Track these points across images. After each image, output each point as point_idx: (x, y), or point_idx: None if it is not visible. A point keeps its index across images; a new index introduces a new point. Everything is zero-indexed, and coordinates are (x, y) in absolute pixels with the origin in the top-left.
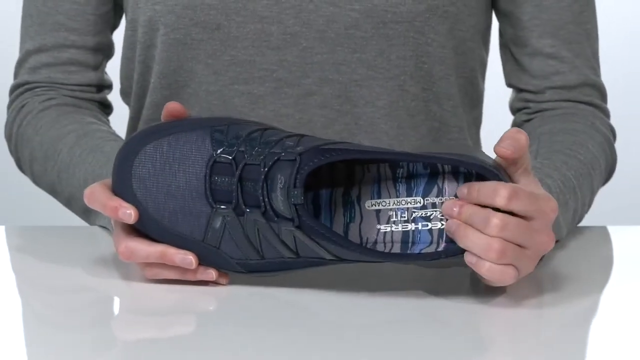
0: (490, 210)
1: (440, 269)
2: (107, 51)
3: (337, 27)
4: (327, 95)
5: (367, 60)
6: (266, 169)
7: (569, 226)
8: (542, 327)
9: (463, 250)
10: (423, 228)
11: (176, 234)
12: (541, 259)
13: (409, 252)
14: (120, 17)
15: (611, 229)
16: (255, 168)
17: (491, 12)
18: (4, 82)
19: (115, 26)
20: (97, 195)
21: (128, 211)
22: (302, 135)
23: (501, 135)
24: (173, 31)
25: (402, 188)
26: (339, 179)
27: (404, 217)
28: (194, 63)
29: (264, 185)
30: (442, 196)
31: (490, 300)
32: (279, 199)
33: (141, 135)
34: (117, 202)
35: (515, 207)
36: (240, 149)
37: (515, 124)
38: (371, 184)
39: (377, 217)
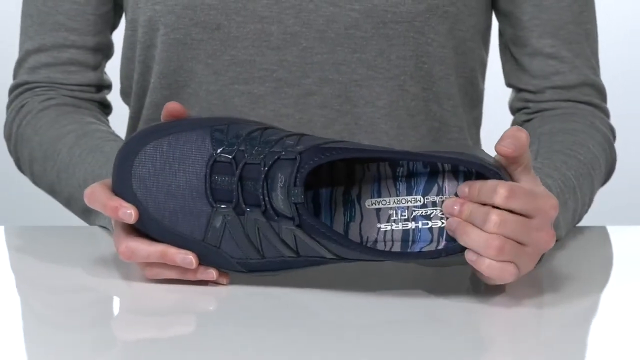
0: (490, 208)
1: (440, 268)
2: (106, 51)
3: (337, 27)
4: (327, 95)
5: (367, 60)
6: (266, 168)
7: (568, 226)
8: (542, 327)
9: (463, 249)
10: (423, 227)
11: (176, 233)
12: (541, 258)
13: (409, 250)
14: (120, 17)
15: (610, 229)
16: (255, 167)
17: (491, 12)
18: (4, 82)
19: (115, 26)
20: (98, 195)
21: (128, 211)
22: (302, 135)
23: (501, 135)
24: (173, 31)
25: (402, 187)
26: (339, 178)
27: (404, 215)
28: (194, 63)
29: (264, 184)
30: (442, 195)
31: (490, 300)
32: (279, 198)
33: (141, 135)
34: (118, 202)
35: (513, 205)
36: (240, 148)
37: (514, 124)
38: (371, 182)
39: (377, 216)
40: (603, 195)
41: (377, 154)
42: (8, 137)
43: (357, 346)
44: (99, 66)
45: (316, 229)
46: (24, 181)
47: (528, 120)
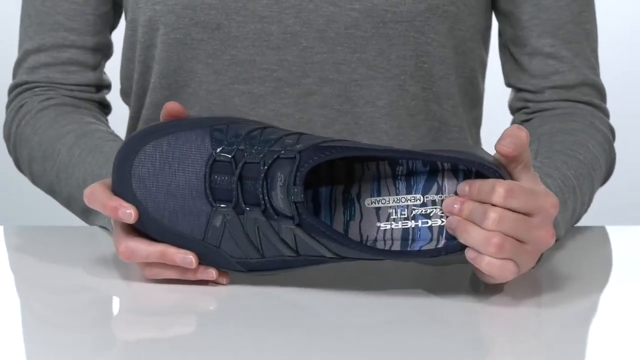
0: (489, 205)
1: (440, 267)
2: (106, 51)
3: (337, 26)
4: (327, 95)
5: (367, 59)
6: (266, 167)
7: (568, 225)
8: (542, 327)
9: (463, 247)
10: (423, 225)
11: (176, 233)
12: (540, 258)
13: (409, 249)
14: (120, 17)
15: (610, 229)
16: (255, 166)
17: (491, 12)
18: (3, 82)
19: (114, 26)
20: (97, 195)
21: (128, 211)
22: (302, 134)
23: (501, 134)
24: (173, 31)
25: (401, 185)
26: (338, 177)
27: (404, 214)
28: (194, 63)
29: (264, 183)
30: (442, 193)
31: (490, 299)
32: (278, 197)
33: (140, 135)
34: (117, 201)
35: (512, 204)
36: (239, 147)
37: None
38: (371, 181)
39: (377, 215)
40: (603, 195)
41: (377, 152)
42: (7, 137)
43: (357, 346)
44: (98, 66)
45: (316, 228)
46: (24, 181)
47: (528, 120)
